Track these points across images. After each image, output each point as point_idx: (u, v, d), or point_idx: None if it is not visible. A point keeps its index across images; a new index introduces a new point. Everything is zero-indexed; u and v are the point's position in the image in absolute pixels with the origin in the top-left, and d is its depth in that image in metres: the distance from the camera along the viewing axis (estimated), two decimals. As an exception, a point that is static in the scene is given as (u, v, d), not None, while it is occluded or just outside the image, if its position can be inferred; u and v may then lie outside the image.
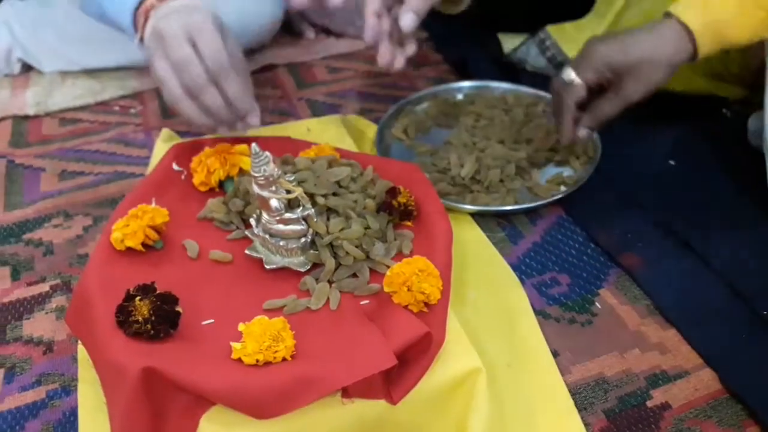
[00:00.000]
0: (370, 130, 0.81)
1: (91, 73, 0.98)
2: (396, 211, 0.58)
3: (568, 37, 0.87)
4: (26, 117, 0.90)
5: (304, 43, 1.06)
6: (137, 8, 0.66)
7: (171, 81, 0.61)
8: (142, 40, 0.66)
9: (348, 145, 0.74)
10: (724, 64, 0.80)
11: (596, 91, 0.67)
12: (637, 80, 0.63)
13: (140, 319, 0.46)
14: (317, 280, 0.54)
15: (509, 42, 0.93)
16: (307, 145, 0.66)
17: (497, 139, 0.77)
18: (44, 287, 0.64)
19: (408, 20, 0.64)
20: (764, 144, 0.58)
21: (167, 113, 0.90)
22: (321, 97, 0.93)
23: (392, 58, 0.67)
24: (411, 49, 0.68)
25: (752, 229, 0.67)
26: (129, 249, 0.54)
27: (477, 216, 0.70)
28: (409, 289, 0.49)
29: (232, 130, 0.65)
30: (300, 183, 0.57)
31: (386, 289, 0.51)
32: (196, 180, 0.62)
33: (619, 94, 0.65)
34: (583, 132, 0.68)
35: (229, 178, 0.62)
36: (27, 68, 0.99)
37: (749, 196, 0.70)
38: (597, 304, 0.61)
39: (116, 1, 0.69)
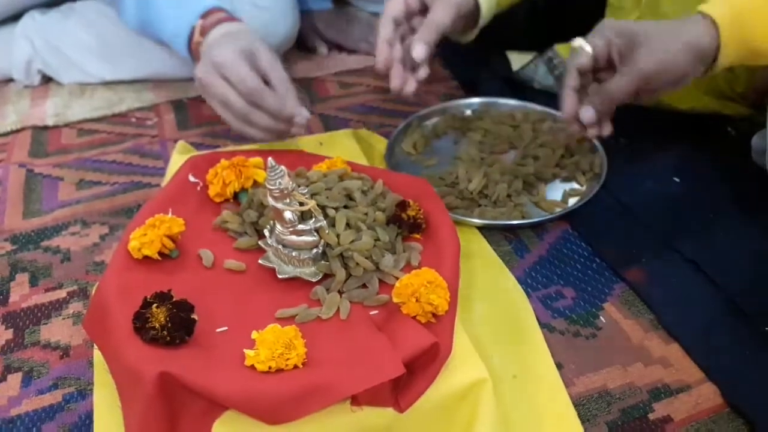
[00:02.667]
0: (381, 144, 0.83)
1: (108, 85, 1.00)
2: (405, 223, 0.59)
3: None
4: (45, 127, 0.92)
5: (317, 58, 1.08)
6: (189, 43, 0.75)
7: (225, 115, 0.69)
8: None
9: (359, 158, 0.76)
10: (729, 83, 0.81)
11: (605, 68, 0.64)
12: (650, 50, 0.58)
13: (157, 325, 0.48)
14: (328, 290, 0.55)
15: (518, 60, 0.95)
16: (320, 158, 0.68)
17: (504, 153, 0.79)
18: (61, 293, 0.66)
19: (419, 51, 0.67)
20: (767, 163, 0.59)
21: (183, 125, 0.92)
22: (333, 112, 0.94)
23: (403, 82, 0.69)
24: (423, 73, 0.70)
25: (755, 246, 0.68)
26: (146, 257, 0.56)
27: (484, 229, 0.71)
28: (417, 300, 0.50)
29: (292, 134, 0.71)
30: (312, 195, 0.59)
31: (395, 300, 0.52)
32: (212, 191, 0.64)
33: (631, 67, 0.60)
34: (588, 113, 0.64)
35: (243, 190, 0.64)
36: (46, 80, 1.02)
37: (753, 214, 0.71)
38: (601, 317, 0.62)
39: (173, 38, 0.78)
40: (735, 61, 0.60)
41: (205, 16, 0.74)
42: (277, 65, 0.69)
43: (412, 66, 0.70)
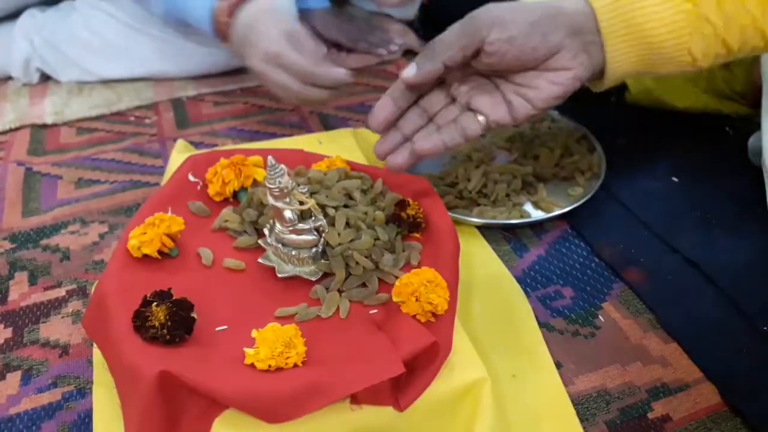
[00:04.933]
0: (380, 143, 0.83)
1: (107, 83, 1.00)
2: (405, 223, 0.59)
3: None
4: (44, 126, 0.92)
5: (315, 57, 1.08)
6: (212, 23, 0.79)
7: (286, 96, 0.76)
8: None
9: (358, 157, 0.76)
10: (727, 82, 0.81)
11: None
12: (497, 29, 0.48)
13: (156, 324, 0.48)
14: (327, 289, 0.55)
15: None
16: (320, 157, 0.68)
17: (503, 152, 0.79)
18: (61, 292, 0.65)
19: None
20: (763, 164, 0.59)
21: (182, 123, 0.92)
22: (332, 111, 0.95)
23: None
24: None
25: (754, 246, 0.68)
26: (145, 256, 0.56)
27: (483, 229, 0.72)
28: (417, 300, 0.50)
29: (339, 90, 0.76)
30: (312, 194, 0.59)
31: (395, 299, 0.52)
32: (211, 190, 0.64)
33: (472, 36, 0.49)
34: (399, 158, 0.56)
35: (243, 188, 0.64)
36: (45, 78, 1.02)
37: (751, 213, 0.71)
38: (600, 317, 0.62)
39: (197, 18, 0.81)
40: (631, 68, 0.50)
41: None
42: (309, 37, 0.76)
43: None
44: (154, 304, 0.49)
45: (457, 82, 0.53)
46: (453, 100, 0.54)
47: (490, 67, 0.50)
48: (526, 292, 0.64)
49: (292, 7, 0.80)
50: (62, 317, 0.63)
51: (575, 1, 0.49)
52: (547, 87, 0.50)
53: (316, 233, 0.56)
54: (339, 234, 0.57)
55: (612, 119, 0.86)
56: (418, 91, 0.55)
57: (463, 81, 0.52)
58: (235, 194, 0.64)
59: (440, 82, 0.54)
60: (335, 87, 0.75)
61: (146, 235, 0.55)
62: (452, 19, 0.52)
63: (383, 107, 0.55)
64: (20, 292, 0.66)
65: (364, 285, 0.56)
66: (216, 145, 0.86)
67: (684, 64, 0.49)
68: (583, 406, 0.54)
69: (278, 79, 0.74)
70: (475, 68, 0.51)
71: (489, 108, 0.52)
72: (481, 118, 0.52)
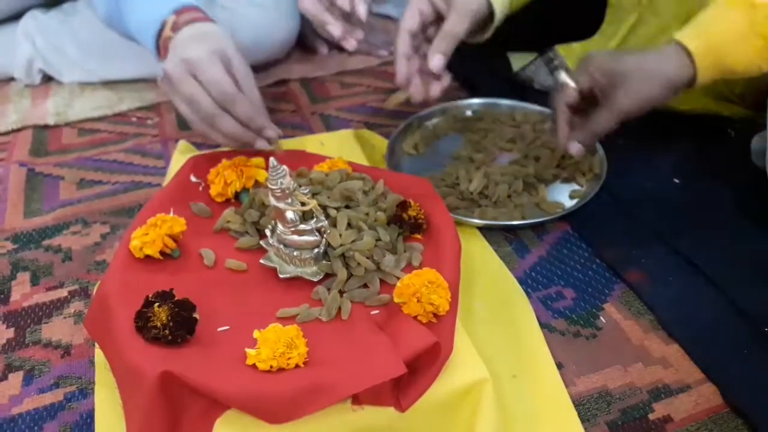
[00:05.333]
0: (382, 144, 0.83)
1: (109, 84, 1.00)
2: (406, 223, 0.60)
3: (576, 56, 0.89)
4: (46, 126, 0.92)
5: (317, 58, 1.08)
6: (158, 38, 0.71)
7: (188, 114, 0.66)
8: None
9: (360, 158, 0.76)
10: (728, 85, 0.81)
11: (591, 101, 0.68)
12: (627, 91, 0.63)
13: (159, 324, 0.48)
14: (329, 289, 0.55)
15: (518, 61, 0.95)
16: (321, 158, 0.68)
17: (504, 153, 0.79)
18: (63, 292, 0.66)
19: (437, 62, 0.69)
20: (767, 165, 0.59)
21: (184, 125, 0.92)
22: (334, 112, 0.95)
23: (424, 93, 0.71)
24: (446, 81, 0.71)
25: (755, 247, 0.68)
26: (147, 257, 0.56)
27: (485, 230, 0.72)
28: (418, 300, 0.51)
29: (256, 147, 0.68)
30: (314, 195, 0.59)
31: (396, 300, 0.52)
32: (213, 191, 0.64)
33: (611, 105, 0.65)
34: (574, 147, 0.68)
35: (244, 189, 0.64)
36: (47, 79, 1.02)
37: (752, 215, 0.71)
38: (601, 318, 0.62)
39: (140, 29, 0.73)
40: (711, 81, 0.64)
41: (179, 12, 0.70)
42: (249, 73, 0.68)
43: (431, 74, 0.72)
44: (156, 304, 0.49)
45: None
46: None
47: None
48: (527, 293, 0.64)
49: (229, 37, 0.70)
50: (64, 318, 0.63)
51: (687, 63, 0.63)
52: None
53: (317, 234, 0.56)
54: (340, 235, 0.57)
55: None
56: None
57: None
58: (236, 195, 0.64)
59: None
60: (250, 128, 0.66)
61: (148, 236, 0.56)
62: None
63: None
64: (22, 293, 0.66)
65: (365, 286, 0.56)
66: (218, 146, 0.86)
67: (752, 74, 0.64)
68: (584, 407, 0.54)
69: (189, 92, 0.64)
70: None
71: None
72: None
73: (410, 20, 0.72)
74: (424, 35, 0.74)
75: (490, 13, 0.73)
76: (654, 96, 0.64)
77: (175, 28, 0.69)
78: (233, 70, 0.66)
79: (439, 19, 0.72)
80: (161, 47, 0.71)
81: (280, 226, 0.56)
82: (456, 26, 0.69)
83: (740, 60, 0.62)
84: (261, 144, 0.67)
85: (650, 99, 0.64)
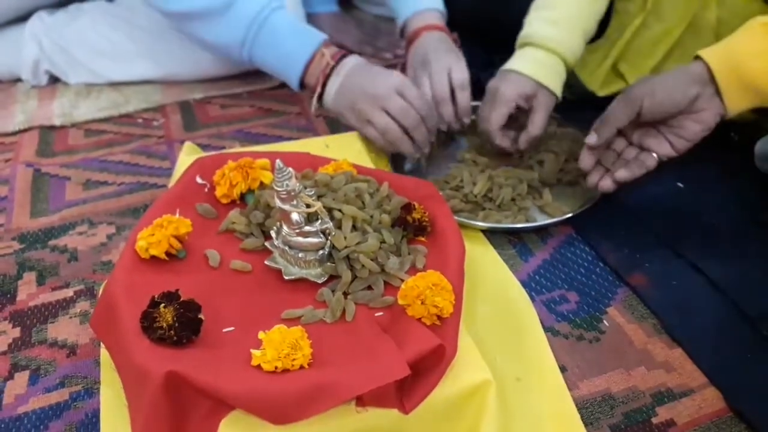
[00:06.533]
0: (386, 147, 0.83)
1: (115, 86, 1.01)
2: (410, 226, 0.60)
3: (582, 59, 0.89)
4: (52, 127, 0.93)
5: (322, 60, 1.08)
6: (308, 64, 0.80)
7: (393, 127, 0.76)
8: (321, 96, 0.80)
9: (364, 161, 0.76)
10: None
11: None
12: (651, 105, 0.65)
13: (164, 325, 0.48)
14: (333, 291, 0.56)
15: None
16: (326, 160, 0.68)
17: (508, 156, 0.79)
18: (68, 292, 0.66)
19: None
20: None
21: (189, 126, 0.93)
22: (338, 114, 0.95)
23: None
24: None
25: (758, 251, 0.68)
26: (153, 257, 0.56)
27: (488, 233, 0.72)
28: (422, 303, 0.51)
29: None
30: (319, 197, 0.59)
31: (400, 302, 0.52)
32: (219, 192, 0.64)
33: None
34: (606, 183, 0.70)
35: (250, 191, 0.64)
36: (54, 80, 1.03)
37: (755, 219, 0.71)
38: (605, 321, 0.62)
39: (285, 57, 0.82)
40: (748, 105, 0.64)
41: (326, 44, 0.80)
42: (420, 95, 0.77)
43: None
44: (162, 305, 0.49)
45: (630, 131, 0.70)
46: (630, 143, 0.71)
47: (649, 120, 0.67)
48: (530, 296, 0.65)
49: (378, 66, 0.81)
50: (70, 317, 0.63)
51: (700, 64, 0.64)
52: (693, 126, 0.66)
53: (322, 236, 0.56)
54: (345, 237, 0.57)
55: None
56: (606, 140, 0.70)
57: (634, 130, 0.70)
58: (242, 196, 0.65)
59: (620, 133, 0.70)
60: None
61: (154, 237, 0.56)
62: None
63: (588, 156, 0.71)
64: (28, 293, 0.66)
65: (369, 288, 0.56)
66: (223, 148, 0.86)
67: None
68: (588, 410, 0.54)
69: (382, 122, 0.76)
70: (641, 120, 0.68)
71: (657, 146, 0.68)
72: (653, 154, 0.68)
73: (498, 119, 0.77)
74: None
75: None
76: (676, 100, 0.64)
77: (334, 57, 0.79)
78: (408, 98, 0.76)
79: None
80: (310, 75, 0.80)
81: (285, 228, 0.56)
82: (539, 124, 0.77)
83: (765, 73, 0.62)
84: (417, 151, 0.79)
85: (674, 104, 0.64)
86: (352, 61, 0.79)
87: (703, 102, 0.64)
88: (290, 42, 0.81)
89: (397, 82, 0.76)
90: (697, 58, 0.65)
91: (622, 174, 0.69)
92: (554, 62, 0.77)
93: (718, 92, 0.64)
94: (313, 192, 0.57)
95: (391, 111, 0.76)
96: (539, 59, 0.76)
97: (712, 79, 0.63)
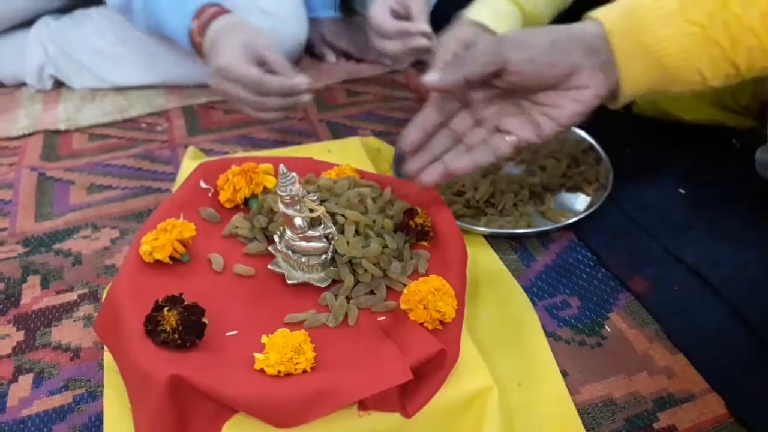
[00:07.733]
0: (389, 152, 0.84)
1: (119, 90, 1.01)
2: (413, 231, 0.60)
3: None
4: (57, 132, 0.93)
5: (325, 66, 1.09)
6: (193, 44, 0.82)
7: (245, 109, 0.78)
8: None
9: (367, 166, 0.76)
10: (733, 95, 0.82)
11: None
12: (519, 49, 0.50)
13: (168, 328, 0.48)
14: (336, 295, 0.56)
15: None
16: (329, 166, 0.69)
17: (510, 162, 0.80)
18: (72, 296, 0.66)
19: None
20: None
21: (193, 131, 0.93)
22: (341, 120, 0.95)
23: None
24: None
25: (759, 257, 0.68)
26: (157, 261, 0.57)
27: (490, 238, 0.72)
28: (425, 307, 0.51)
29: (301, 105, 0.79)
30: (322, 202, 0.60)
31: (403, 307, 0.53)
32: (222, 197, 0.64)
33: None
34: (432, 174, 0.56)
35: (253, 195, 0.65)
36: (58, 84, 1.03)
37: (756, 225, 0.71)
38: (607, 327, 0.63)
39: (176, 39, 0.83)
40: (648, 85, 0.51)
41: (198, 15, 0.79)
42: (271, 47, 0.76)
43: None
44: (166, 308, 0.49)
45: (483, 105, 0.54)
46: (479, 122, 0.55)
47: (513, 86, 0.52)
48: (532, 302, 0.65)
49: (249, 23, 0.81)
50: (74, 321, 0.64)
51: (591, 24, 0.51)
52: (570, 105, 0.51)
53: (325, 240, 0.57)
54: (348, 241, 0.57)
55: (619, 130, 0.86)
56: (445, 114, 0.56)
57: (488, 104, 0.54)
58: (245, 201, 0.65)
59: (465, 105, 0.55)
60: (291, 95, 0.76)
61: (158, 241, 0.56)
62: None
63: (413, 130, 0.56)
64: (33, 296, 0.66)
65: (372, 292, 0.56)
66: (226, 153, 0.87)
67: (695, 83, 0.51)
68: (589, 416, 0.54)
69: (232, 92, 0.76)
70: (499, 91, 0.53)
71: (517, 128, 0.53)
72: (509, 138, 0.53)
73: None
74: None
75: None
76: (552, 52, 0.49)
77: (200, 32, 0.78)
78: (259, 50, 0.75)
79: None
80: (200, 52, 0.81)
81: (288, 233, 0.57)
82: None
83: (671, 50, 0.49)
84: (306, 99, 0.77)
85: (542, 52, 0.50)
86: (212, 30, 0.78)
87: (587, 74, 0.50)
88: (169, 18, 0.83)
89: (222, 63, 0.75)
90: (590, 17, 0.51)
91: (460, 162, 0.53)
92: None
93: (611, 62, 0.50)
94: (316, 197, 0.58)
95: (222, 95, 0.79)
96: None
97: (606, 44, 0.49)
